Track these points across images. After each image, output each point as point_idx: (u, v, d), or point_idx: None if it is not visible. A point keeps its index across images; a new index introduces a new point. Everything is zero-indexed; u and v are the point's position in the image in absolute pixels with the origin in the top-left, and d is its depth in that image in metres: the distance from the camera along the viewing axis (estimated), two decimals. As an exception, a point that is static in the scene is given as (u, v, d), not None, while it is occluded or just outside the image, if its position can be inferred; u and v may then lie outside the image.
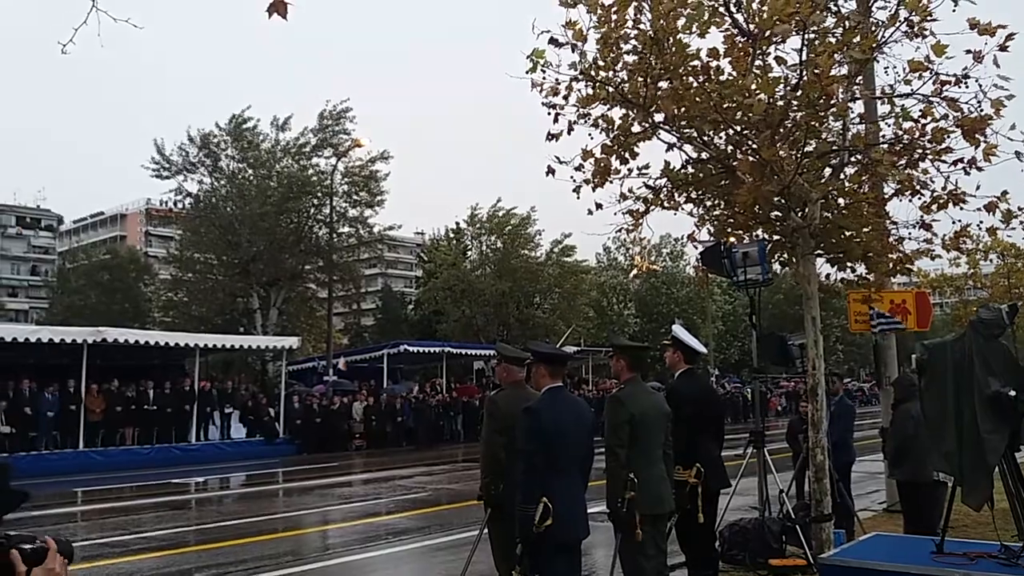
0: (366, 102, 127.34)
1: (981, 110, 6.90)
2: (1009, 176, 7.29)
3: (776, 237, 9.07)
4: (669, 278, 49.04)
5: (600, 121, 8.14)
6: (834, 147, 7.97)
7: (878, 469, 13.37)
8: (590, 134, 8.17)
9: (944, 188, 7.38)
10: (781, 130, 7.80)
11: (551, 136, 8.16)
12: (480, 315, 38.58)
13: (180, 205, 37.09)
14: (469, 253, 41.89)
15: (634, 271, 38.55)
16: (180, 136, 34.44)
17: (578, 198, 8.25)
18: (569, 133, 8.15)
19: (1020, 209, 8.26)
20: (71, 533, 10.14)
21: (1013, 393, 5.39)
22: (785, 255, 9.08)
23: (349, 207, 35.17)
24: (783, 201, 8.38)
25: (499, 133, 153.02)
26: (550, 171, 8.15)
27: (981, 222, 7.53)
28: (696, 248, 9.33)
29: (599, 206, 8.47)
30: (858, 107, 8.83)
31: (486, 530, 5.63)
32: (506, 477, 5.25)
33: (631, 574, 4.87)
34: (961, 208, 7.40)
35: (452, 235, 43.23)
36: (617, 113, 8.12)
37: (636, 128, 8.15)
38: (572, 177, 8.19)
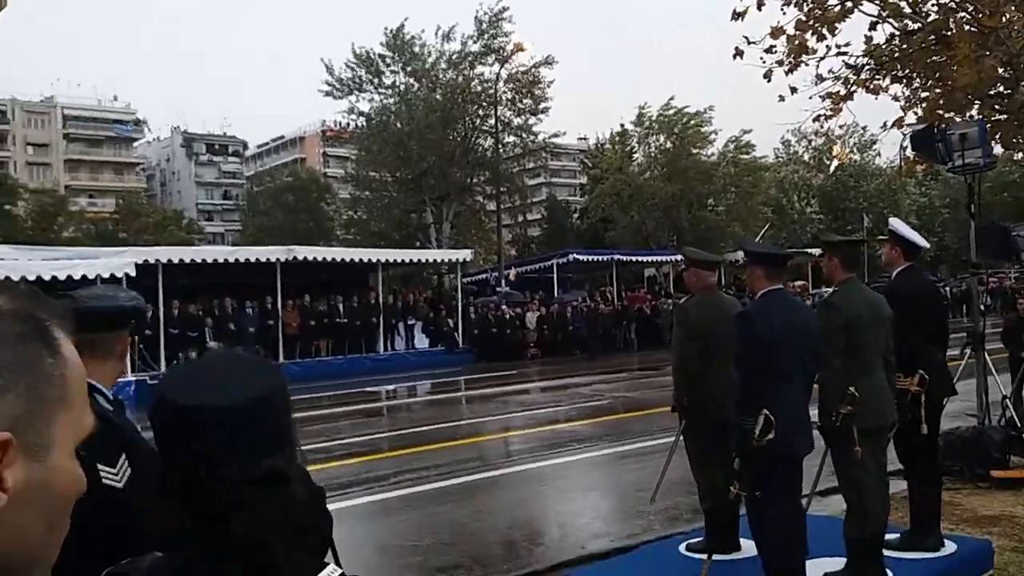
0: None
1: None
2: None
3: (998, 116, 8.05)
4: (857, 171, 45.51)
5: (795, -6, 7.38)
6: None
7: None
8: (783, 9, 7.44)
9: None
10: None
11: (736, 15, 7.48)
12: (650, 220, 37.80)
13: (353, 124, 38.34)
14: (636, 156, 40.84)
15: (834, 163, 35.90)
16: (347, 54, 35.07)
17: (768, 82, 7.61)
18: (759, 8, 7.45)
19: None
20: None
21: None
22: (1009, 136, 8.06)
23: (513, 116, 35.02)
24: (1009, 74, 7.37)
25: (667, 28, 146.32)
26: (738, 53, 7.51)
27: None
28: (903, 135, 8.42)
29: (793, 90, 7.78)
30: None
31: (681, 440, 5.42)
32: (699, 386, 5.00)
33: (848, 488, 4.50)
34: None
35: (617, 138, 42.20)
36: (814, -17, 7.34)
37: (834, 0, 7.34)
38: (762, 59, 7.53)
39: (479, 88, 34.47)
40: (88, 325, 1.95)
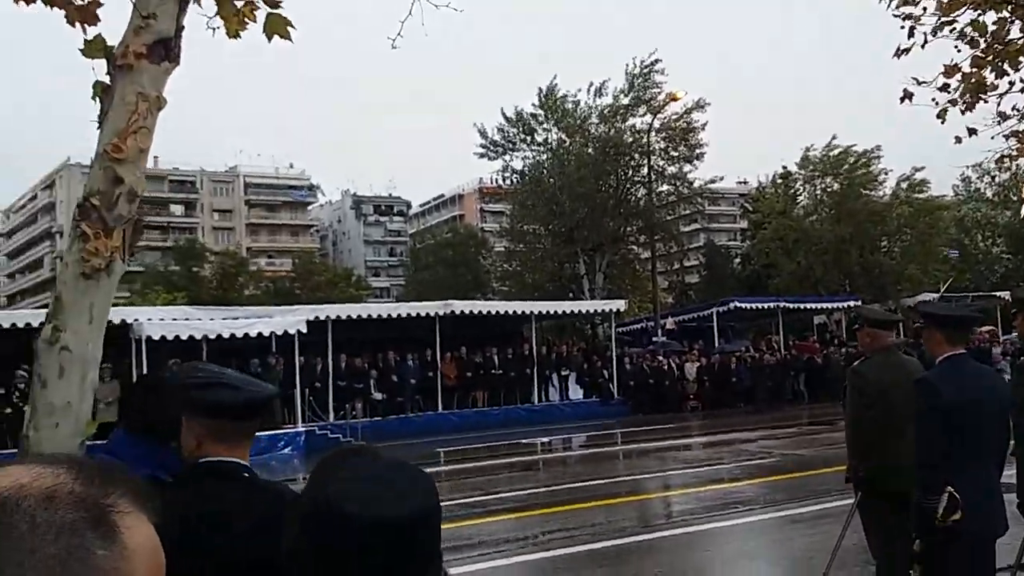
0: (676, 51, 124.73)
1: None
2: None
3: None
4: (1051, 204, 41.60)
5: (968, 30, 6.81)
6: None
7: None
8: (956, 46, 6.89)
9: None
10: None
11: (900, 52, 6.98)
12: (817, 264, 36.02)
13: (508, 181, 39.29)
14: (800, 199, 39.27)
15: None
16: (498, 120, 36.18)
17: (943, 123, 7.03)
18: (923, 47, 6.93)
19: None
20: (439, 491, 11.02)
21: None
22: None
23: (667, 164, 34.70)
24: None
25: (827, 66, 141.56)
26: (906, 96, 7.01)
27: None
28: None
29: (971, 132, 7.15)
30: None
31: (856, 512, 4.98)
32: (877, 457, 4.57)
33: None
34: None
35: (780, 181, 40.79)
36: (991, 17, 6.75)
37: (1017, 33, 6.72)
38: (934, 100, 6.98)
39: (631, 139, 34.45)
40: (249, 413, 2.01)
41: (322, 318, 19.30)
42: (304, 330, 18.26)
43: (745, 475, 12.02)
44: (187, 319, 17.83)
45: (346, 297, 45.36)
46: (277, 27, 3.45)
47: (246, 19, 3.48)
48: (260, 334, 17.43)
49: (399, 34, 4.55)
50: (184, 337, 16.03)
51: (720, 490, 10.99)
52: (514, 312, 22.47)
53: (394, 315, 20.73)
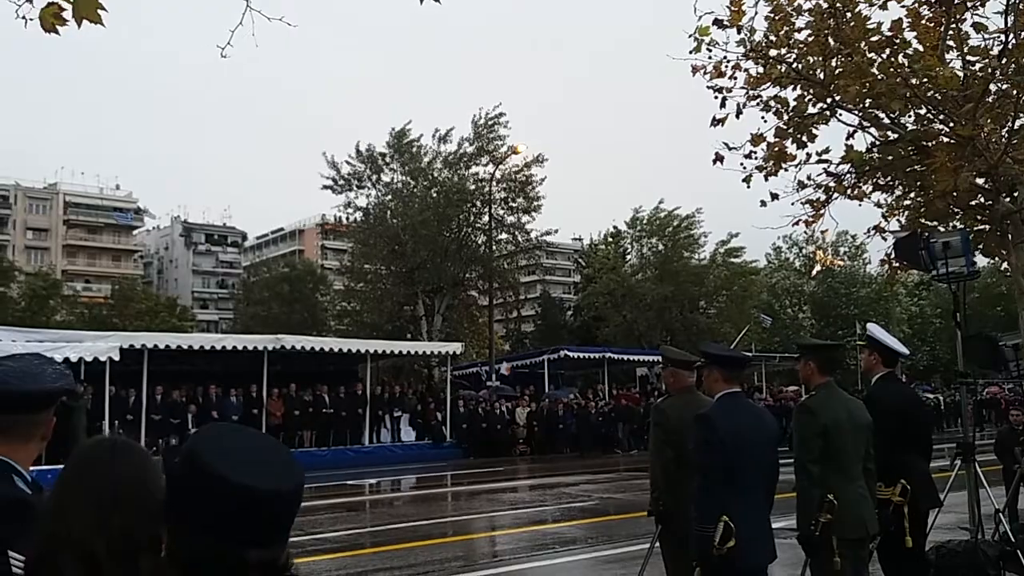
0: (522, 103, 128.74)
1: None
2: None
3: (980, 226, 8.16)
4: (848, 278, 45.98)
5: (772, 103, 7.58)
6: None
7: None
8: (763, 117, 7.64)
9: None
10: (983, 104, 6.97)
11: (716, 121, 7.66)
12: (642, 320, 37.91)
13: (350, 219, 38.90)
14: (629, 257, 41.32)
15: (816, 267, 36.27)
16: (348, 152, 36.05)
17: (748, 187, 7.73)
18: (738, 117, 7.64)
19: None
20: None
21: None
22: (991, 245, 8.14)
23: (506, 214, 35.59)
24: (989, 185, 7.51)
25: (660, 133, 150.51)
26: (718, 159, 7.66)
27: None
28: (884, 240, 8.53)
29: (774, 196, 7.89)
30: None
31: (657, 545, 5.27)
32: (677, 491, 4.88)
33: (828, 602, 4.33)
34: None
35: (611, 239, 42.81)
36: (791, 94, 7.55)
37: (813, 109, 7.53)
38: (742, 164, 7.67)
39: (473, 187, 35.17)
40: (10, 407, 1.89)
41: (137, 346, 18.16)
42: (117, 358, 17.13)
43: (566, 517, 12.33)
44: (-13, 339, 16.31)
45: (168, 327, 42.77)
46: (86, 10, 3.25)
47: (62, 10, 3.27)
48: (67, 360, 16.12)
49: (228, 43, 4.49)
50: (-22, 360, 14.61)
51: (541, 531, 11.21)
52: (348, 350, 22.01)
53: (218, 347, 19.70)
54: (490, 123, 35.13)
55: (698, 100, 9.49)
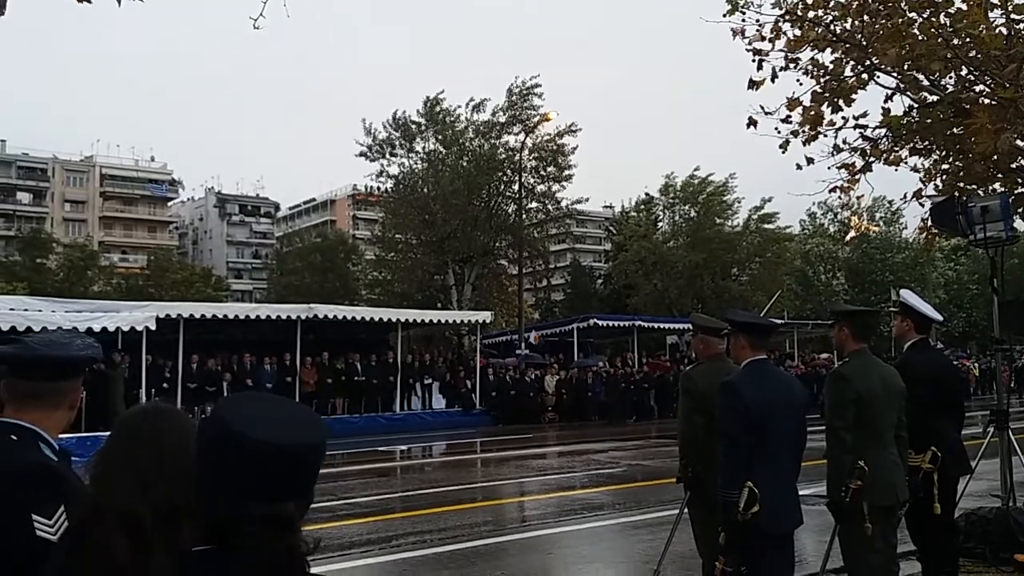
0: (556, 73, 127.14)
1: None
2: None
3: (1020, 190, 7.95)
4: (884, 243, 45.09)
5: (809, 66, 7.41)
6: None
7: None
8: (799, 80, 7.47)
9: None
10: (1026, 64, 6.75)
11: (753, 84, 7.51)
12: (673, 288, 37.69)
13: (382, 188, 38.98)
14: (661, 224, 41.01)
15: (851, 233, 35.70)
16: (384, 121, 36.01)
17: (784, 152, 7.59)
18: (773, 80, 7.48)
19: None
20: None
21: None
22: (1034, 209, 7.94)
23: (537, 183, 35.41)
24: (1031, 147, 7.30)
25: (696, 98, 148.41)
26: (752, 123, 7.52)
27: None
28: (922, 206, 8.34)
29: (810, 161, 7.75)
30: None
31: (686, 511, 5.27)
32: (707, 457, 4.85)
33: (855, 569, 4.32)
34: None
35: (642, 207, 42.47)
36: (828, 56, 7.37)
37: (850, 72, 7.35)
38: (777, 129, 7.52)
39: (504, 156, 35.02)
40: (37, 374, 1.92)
41: (173, 316, 18.44)
42: (153, 327, 17.41)
43: (594, 483, 12.40)
44: (26, 310, 16.64)
45: (203, 297, 43.50)
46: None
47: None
48: (105, 329, 16.47)
49: (261, 14, 4.49)
50: (21, 328, 14.92)
51: (570, 497, 11.29)
52: (379, 319, 22.19)
53: (252, 317, 19.99)
54: (525, 93, 34.88)
55: (734, 67, 9.31)
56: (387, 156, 36.13)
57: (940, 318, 5.76)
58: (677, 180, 39.70)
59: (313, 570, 1.49)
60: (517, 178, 33.22)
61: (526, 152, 33.88)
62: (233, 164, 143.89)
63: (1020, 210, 7.95)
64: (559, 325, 31.24)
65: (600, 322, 28.44)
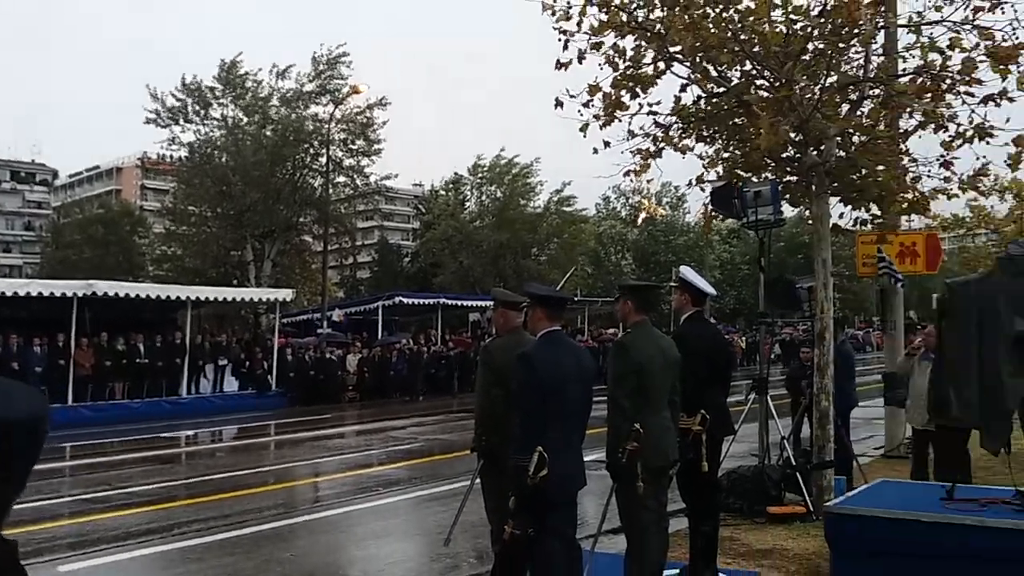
0: (365, 43, 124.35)
1: (1015, 38, 6.42)
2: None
3: (788, 178, 8.64)
4: (668, 227, 48.49)
5: (612, 52, 7.64)
6: (856, 79, 7.48)
7: (875, 415, 13.15)
8: (600, 65, 7.69)
9: (970, 121, 6.92)
10: (801, 60, 7.34)
11: (560, 65, 7.66)
12: (477, 266, 38.28)
13: (174, 156, 36.47)
14: (468, 204, 41.46)
15: (641, 215, 37.95)
16: (175, 83, 33.51)
17: (584, 136, 7.79)
18: (580, 62, 7.66)
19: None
20: (54, 489, 9.87)
21: (1043, 334, 5.02)
22: (797, 195, 8.66)
23: (345, 156, 34.55)
24: (799, 138, 7.94)
25: (507, 82, 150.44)
26: (558, 104, 7.67)
27: (1007, 159, 7.08)
28: (703, 191, 8.88)
29: (607, 144, 8.01)
30: (880, 39, 8.35)
31: (478, 480, 5.30)
32: (503, 428, 4.90)
33: (630, 526, 4.55)
34: (987, 143, 6.95)
35: (451, 185, 42.71)
36: (630, 43, 7.63)
37: (648, 60, 7.66)
38: (579, 112, 7.71)
39: (311, 127, 33.84)
40: None
41: (-78, 291, 16.28)
42: None
43: (391, 460, 12.35)
44: None
45: (-38, 271, 38.85)
46: None
47: None
48: None
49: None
50: None
51: (366, 474, 11.16)
52: (167, 297, 20.65)
53: (21, 293, 17.97)
54: (332, 62, 33.75)
55: (546, 47, 9.47)
56: (180, 123, 33.75)
57: (714, 292, 6.17)
58: (486, 160, 40.29)
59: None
60: (325, 151, 32.21)
61: (334, 124, 32.91)
62: (3, 128, 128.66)
63: (787, 196, 8.64)
64: (364, 303, 30.80)
65: (406, 300, 28.36)
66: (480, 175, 40.78)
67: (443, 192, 43.63)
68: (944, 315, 5.61)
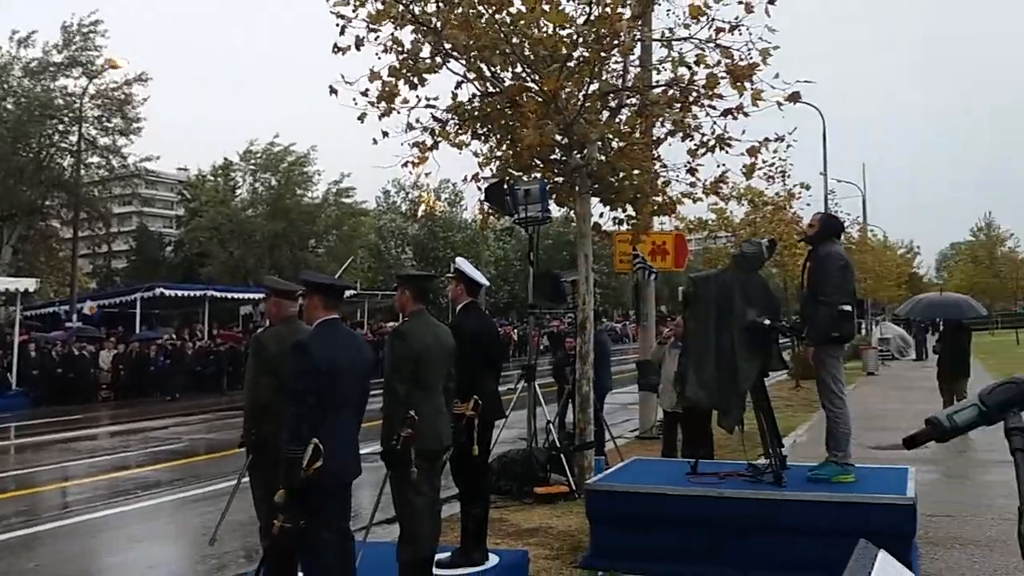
0: (125, 15, 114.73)
1: (751, 58, 7.22)
2: (771, 123, 7.80)
3: (556, 178, 9.14)
4: (447, 223, 49.34)
5: (389, 42, 7.66)
6: (615, 87, 8.06)
7: (631, 401, 14.24)
8: (378, 55, 7.69)
9: (713, 132, 7.71)
10: (567, 67, 7.77)
11: (337, 49, 7.56)
12: (250, 257, 36.69)
13: None
14: (240, 191, 39.59)
15: (421, 208, 38.21)
16: None
17: (362, 123, 7.76)
18: (358, 49, 7.60)
19: (764, 162, 8.93)
20: None
21: (768, 322, 5.74)
22: (563, 195, 9.18)
23: (100, 135, 31.71)
24: (565, 141, 8.42)
25: (284, 65, 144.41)
26: (333, 91, 7.57)
27: (742, 167, 7.97)
28: (479, 188, 9.18)
29: (385, 134, 8.03)
30: (637, 51, 9.04)
31: (246, 477, 5.14)
32: (275, 420, 4.79)
33: (403, 512, 4.62)
34: (727, 152, 7.78)
35: (221, 171, 40.53)
36: (408, 36, 7.69)
37: (426, 53, 7.77)
38: (355, 100, 7.67)
39: (61, 101, 30.71)
40: None
41: None
42: None
43: (151, 461, 11.60)
44: None
45: None
46: None
47: None
48: None
49: None
50: None
51: (122, 477, 10.42)
52: None
53: None
54: (84, 32, 30.75)
55: (324, 31, 9.28)
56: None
57: (488, 284, 6.43)
58: (259, 146, 38.67)
59: None
60: (76, 128, 29.33)
61: (88, 99, 30.07)
62: None
63: (554, 196, 9.13)
64: (120, 295, 28.58)
65: (167, 292, 26.63)
66: (253, 161, 39.08)
67: (212, 178, 41.33)
68: (688, 306, 6.24)
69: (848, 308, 5.79)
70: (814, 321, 5.80)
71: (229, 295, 28.99)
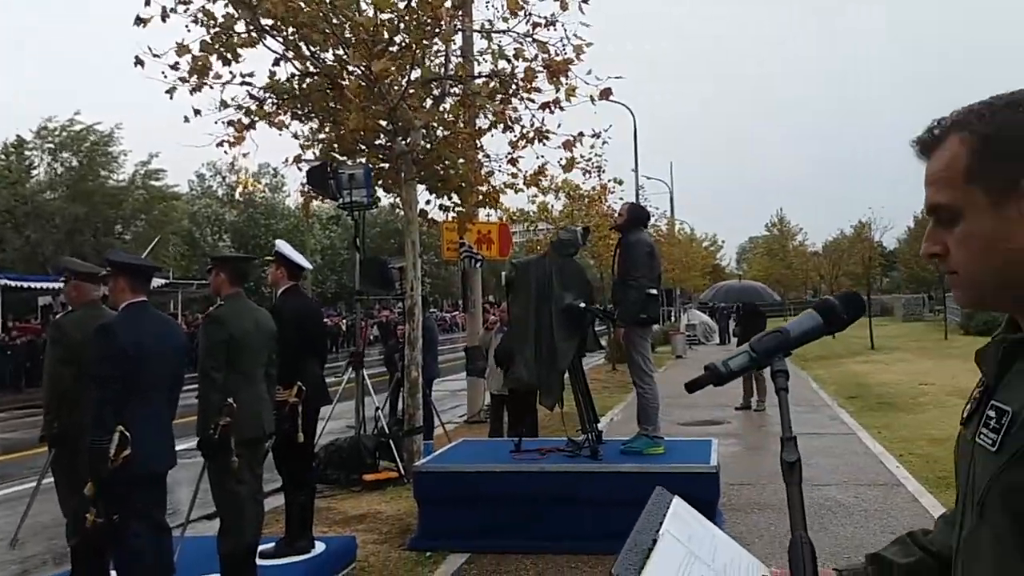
0: None
1: (565, 54, 7.52)
2: (590, 120, 8.17)
3: (381, 164, 9.11)
4: (268, 209, 47.45)
5: (200, 14, 7.30)
6: (438, 76, 8.14)
7: (460, 387, 14.46)
8: (187, 27, 7.30)
9: (532, 125, 7.97)
10: (389, 51, 7.74)
11: (140, 20, 7.11)
12: (49, 243, 33.72)
13: None
14: (36, 172, 36.27)
15: (239, 189, 36.39)
16: None
17: (171, 99, 7.35)
18: (164, 20, 7.19)
19: (581, 157, 9.37)
20: None
21: (583, 305, 6.06)
22: (389, 182, 9.17)
23: None
24: (389, 127, 8.40)
25: (84, 34, 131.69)
26: (138, 62, 7.12)
27: (560, 160, 8.29)
28: (301, 171, 8.99)
29: (197, 112, 7.67)
30: (459, 41, 9.16)
31: (49, 475, 4.84)
32: (77, 410, 4.52)
33: (223, 502, 4.49)
34: (544, 144, 8.06)
35: (13, 150, 36.89)
36: (220, 8, 7.36)
37: (240, 28, 7.46)
38: (164, 74, 7.25)
39: None
40: None
41: None
42: None
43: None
44: None
45: None
46: None
47: None
48: None
49: None
50: None
51: None
52: None
53: None
54: None
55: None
56: None
57: (309, 266, 6.34)
58: (57, 124, 35.52)
59: None
60: None
61: None
62: None
63: (380, 182, 9.10)
64: None
65: (-49, 281, 24.00)
66: (50, 140, 35.87)
67: (3, 158, 37.58)
68: (510, 289, 6.47)
69: (654, 292, 6.22)
70: (624, 303, 6.19)
71: (25, 284, 26.55)
